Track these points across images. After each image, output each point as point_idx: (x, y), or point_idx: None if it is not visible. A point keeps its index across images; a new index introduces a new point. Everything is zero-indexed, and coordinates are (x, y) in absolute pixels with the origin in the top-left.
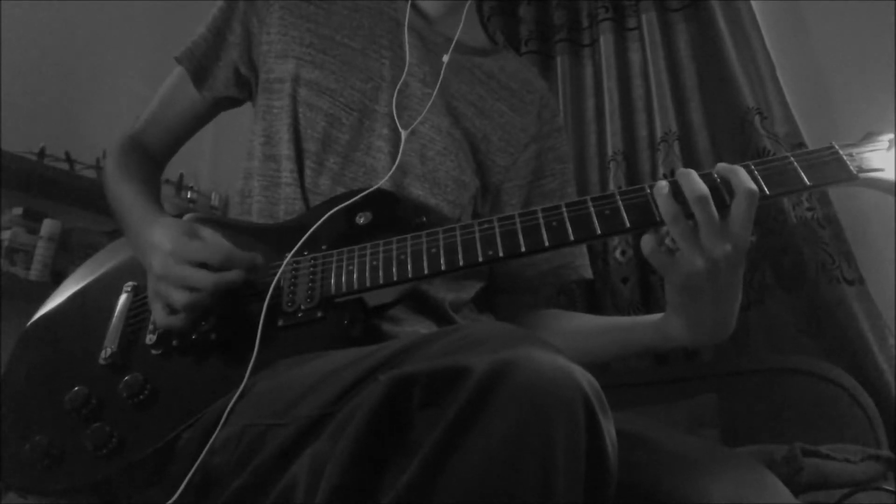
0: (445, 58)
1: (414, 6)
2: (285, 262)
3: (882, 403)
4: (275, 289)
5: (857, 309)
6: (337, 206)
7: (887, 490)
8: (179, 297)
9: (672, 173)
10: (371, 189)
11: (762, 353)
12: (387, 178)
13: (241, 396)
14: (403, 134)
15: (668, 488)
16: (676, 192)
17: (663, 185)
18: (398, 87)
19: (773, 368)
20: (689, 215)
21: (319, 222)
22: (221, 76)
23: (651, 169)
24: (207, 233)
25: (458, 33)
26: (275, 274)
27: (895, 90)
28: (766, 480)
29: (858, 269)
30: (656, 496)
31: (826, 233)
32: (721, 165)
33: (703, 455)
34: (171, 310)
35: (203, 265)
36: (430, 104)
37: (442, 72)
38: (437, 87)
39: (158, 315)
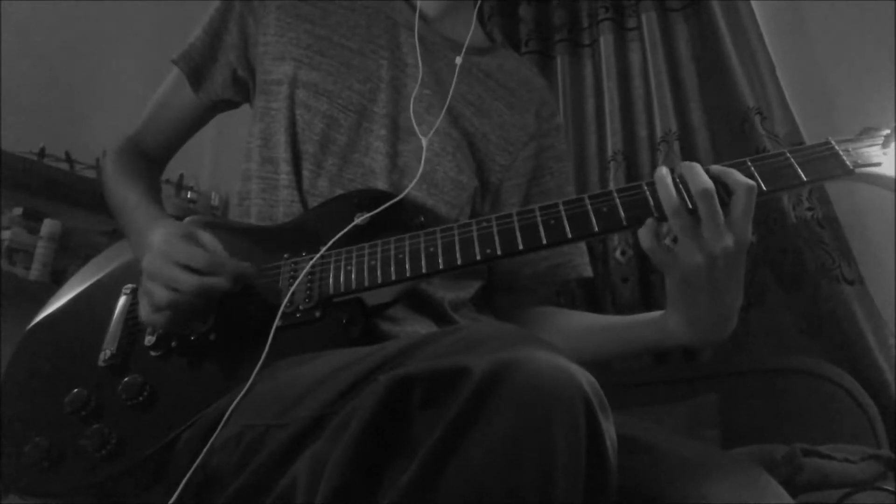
0: (458, 59)
1: (411, 5)
2: (291, 267)
3: (882, 403)
4: (273, 289)
5: (857, 309)
6: (334, 206)
7: (887, 490)
8: (162, 296)
9: (673, 172)
10: (382, 196)
11: (762, 353)
12: (388, 181)
13: (241, 397)
14: (424, 141)
15: (667, 492)
16: (678, 185)
17: (665, 173)
18: (396, 87)
19: (773, 368)
20: (691, 210)
21: (343, 231)
22: (219, 78)
23: (651, 169)
24: (205, 237)
25: (468, 38)
26: (274, 275)
27: (895, 90)
28: (764, 483)
29: (858, 269)
30: (655, 500)
31: (826, 233)
32: (714, 168)
33: (701, 458)
34: (156, 308)
35: (190, 268)
36: (427, 105)
37: (456, 73)
38: (451, 90)
39: (143, 311)
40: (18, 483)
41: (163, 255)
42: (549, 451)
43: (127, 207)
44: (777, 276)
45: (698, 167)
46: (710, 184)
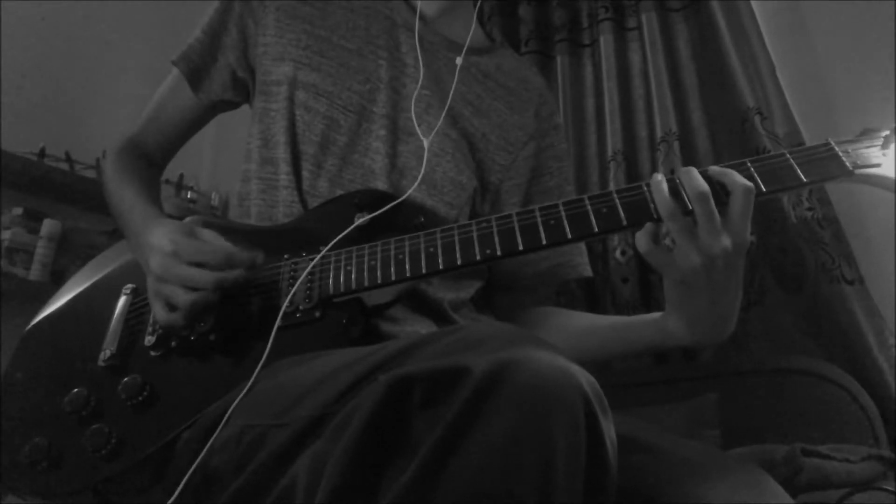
0: (459, 60)
1: (410, 6)
2: (291, 263)
3: (882, 403)
4: (273, 289)
5: (857, 309)
6: (335, 207)
7: (887, 490)
8: (182, 297)
9: (672, 173)
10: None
11: (762, 353)
12: (388, 181)
13: (242, 397)
14: (426, 142)
15: (667, 492)
16: (675, 188)
17: (661, 179)
18: (395, 87)
19: (773, 368)
20: (688, 212)
21: (345, 233)
22: (218, 79)
23: (651, 169)
24: (207, 234)
25: (468, 38)
26: (274, 276)
27: (895, 90)
28: (763, 483)
29: (858, 269)
30: (654, 500)
31: (826, 233)
32: (712, 169)
33: (700, 458)
34: (172, 308)
35: (203, 265)
36: (426, 105)
37: (457, 74)
38: (452, 90)
39: (159, 314)
40: (18, 483)
41: (172, 256)
42: (548, 450)
43: (125, 208)
44: (777, 277)
45: (694, 171)
46: (705, 186)
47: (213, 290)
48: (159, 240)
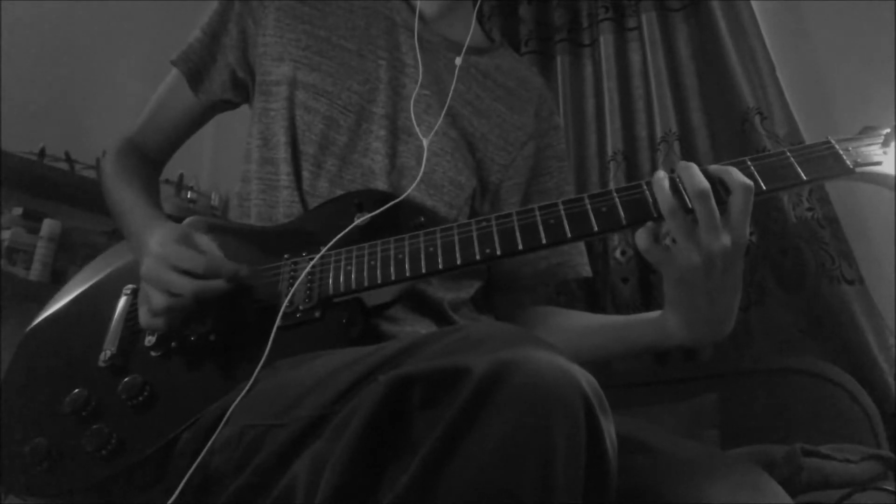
0: (458, 60)
1: (410, 6)
2: (295, 269)
3: (882, 403)
4: (273, 289)
5: (857, 309)
6: (335, 207)
7: (887, 490)
8: (159, 301)
9: (673, 172)
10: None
11: (762, 353)
12: (387, 181)
13: (242, 397)
14: (425, 142)
15: (666, 493)
16: (675, 186)
17: (662, 176)
18: (395, 88)
19: (773, 368)
20: (688, 210)
21: (344, 232)
22: (217, 79)
23: (651, 169)
24: (202, 240)
25: (468, 38)
26: (274, 276)
27: (895, 90)
28: (763, 483)
29: (858, 269)
30: (654, 500)
31: (826, 233)
32: (712, 167)
33: (700, 459)
34: (154, 312)
35: (188, 272)
36: (426, 105)
37: (456, 74)
38: (452, 91)
39: (142, 315)
40: (18, 483)
41: (160, 260)
42: (548, 451)
43: (125, 209)
44: (777, 276)
45: (695, 167)
46: (705, 184)
47: (191, 298)
48: (153, 242)
